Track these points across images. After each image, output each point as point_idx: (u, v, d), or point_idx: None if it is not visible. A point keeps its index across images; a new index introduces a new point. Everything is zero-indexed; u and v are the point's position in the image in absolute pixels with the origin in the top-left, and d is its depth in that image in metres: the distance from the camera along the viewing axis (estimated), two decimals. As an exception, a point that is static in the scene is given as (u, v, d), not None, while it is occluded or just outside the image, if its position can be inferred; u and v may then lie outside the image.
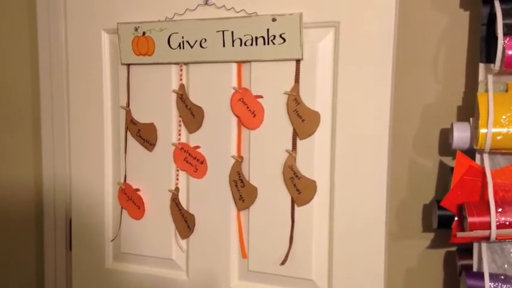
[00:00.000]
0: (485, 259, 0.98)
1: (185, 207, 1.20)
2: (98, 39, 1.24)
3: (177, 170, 1.20)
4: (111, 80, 1.25)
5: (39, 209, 1.42)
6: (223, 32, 1.09)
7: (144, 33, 1.17)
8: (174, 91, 1.18)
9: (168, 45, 1.15)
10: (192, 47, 1.13)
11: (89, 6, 1.24)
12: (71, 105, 1.30)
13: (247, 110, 1.11)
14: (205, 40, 1.11)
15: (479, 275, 0.97)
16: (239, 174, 1.13)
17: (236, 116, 1.12)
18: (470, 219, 0.94)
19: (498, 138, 0.93)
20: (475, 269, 1.01)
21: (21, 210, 1.45)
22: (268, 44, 1.06)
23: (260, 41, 1.06)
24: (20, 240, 1.47)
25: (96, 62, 1.25)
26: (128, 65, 1.21)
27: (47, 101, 1.35)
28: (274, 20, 1.04)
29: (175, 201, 1.20)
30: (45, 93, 1.35)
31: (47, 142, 1.37)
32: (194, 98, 1.16)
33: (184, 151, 1.18)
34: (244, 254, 1.16)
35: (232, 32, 1.08)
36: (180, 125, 1.19)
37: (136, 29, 1.17)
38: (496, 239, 0.94)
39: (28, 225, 1.45)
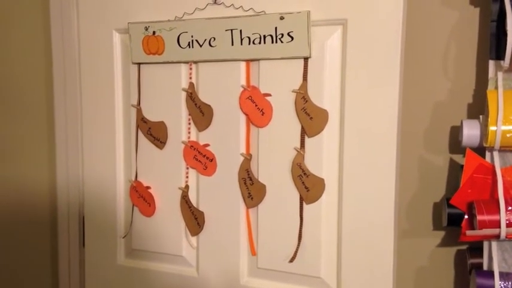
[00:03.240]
0: (495, 258, 0.97)
1: (195, 205, 1.21)
2: (110, 38, 1.26)
3: (187, 168, 1.21)
4: (122, 79, 1.27)
5: (53, 206, 1.45)
6: (231, 30, 1.10)
7: (154, 32, 1.18)
8: (183, 89, 1.19)
9: (177, 44, 1.16)
10: (201, 46, 1.14)
11: (100, 7, 1.26)
12: (83, 104, 1.32)
13: (255, 108, 1.11)
14: (214, 39, 1.12)
15: (490, 274, 0.96)
16: (248, 172, 1.14)
17: (245, 114, 1.13)
18: (479, 218, 0.93)
19: (508, 136, 0.92)
20: (485, 267, 1.00)
21: (36, 208, 1.48)
22: (276, 42, 1.06)
23: (268, 39, 1.07)
24: (35, 237, 1.50)
25: (108, 61, 1.27)
26: (139, 64, 1.23)
27: (61, 101, 1.38)
28: (282, 18, 1.05)
29: (185, 198, 1.21)
30: (59, 93, 1.38)
31: (61, 141, 1.39)
32: (203, 96, 1.17)
33: (194, 149, 1.19)
34: (253, 251, 1.16)
35: (240, 31, 1.09)
36: (189, 123, 1.20)
37: (146, 29, 1.19)
38: (506, 237, 0.93)
39: (43, 223, 1.48)
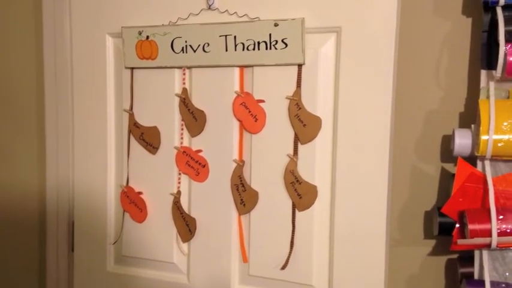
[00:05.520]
0: (486, 267, 0.97)
1: (187, 211, 1.20)
2: (103, 43, 1.25)
3: (179, 174, 1.21)
4: (114, 84, 1.27)
5: (42, 211, 1.43)
6: (226, 36, 1.10)
7: (147, 37, 1.18)
8: (176, 95, 1.19)
9: (171, 49, 1.16)
10: (195, 51, 1.13)
11: (93, 11, 1.25)
12: (75, 108, 1.31)
13: (249, 114, 1.11)
14: (208, 44, 1.12)
15: (480, 283, 0.97)
16: (240, 178, 1.13)
17: (238, 120, 1.13)
18: (470, 227, 0.94)
19: (499, 145, 0.93)
20: (476, 276, 1.01)
21: (25, 212, 1.46)
22: (270, 48, 1.06)
23: (262, 45, 1.07)
24: (23, 242, 1.48)
25: (101, 65, 1.26)
26: (132, 68, 1.22)
27: (52, 104, 1.37)
28: (276, 25, 1.05)
29: (177, 204, 1.20)
30: (50, 97, 1.37)
31: (51, 145, 1.38)
32: (196, 101, 1.17)
33: (187, 155, 1.18)
34: (245, 258, 1.16)
35: (234, 37, 1.09)
36: (182, 129, 1.19)
37: (140, 33, 1.18)
38: (497, 246, 0.93)
39: (31, 227, 1.46)
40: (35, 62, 1.41)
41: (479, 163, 0.99)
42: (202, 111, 1.16)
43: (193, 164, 1.18)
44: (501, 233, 0.92)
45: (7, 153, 1.48)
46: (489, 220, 0.93)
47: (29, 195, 1.46)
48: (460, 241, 0.96)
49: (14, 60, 1.44)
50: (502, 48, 0.91)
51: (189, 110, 1.17)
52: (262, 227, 1.13)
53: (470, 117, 1.06)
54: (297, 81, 1.07)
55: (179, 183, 1.21)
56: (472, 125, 0.99)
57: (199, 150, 1.18)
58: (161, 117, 1.21)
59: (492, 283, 0.96)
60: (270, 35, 1.06)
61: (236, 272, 1.17)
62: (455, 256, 1.10)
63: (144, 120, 1.23)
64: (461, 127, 1.07)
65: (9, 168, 1.48)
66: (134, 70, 1.22)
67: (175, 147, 1.20)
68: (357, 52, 1.01)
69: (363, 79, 1.02)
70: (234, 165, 1.14)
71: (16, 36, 1.43)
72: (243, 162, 1.14)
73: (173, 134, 1.20)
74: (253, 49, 1.08)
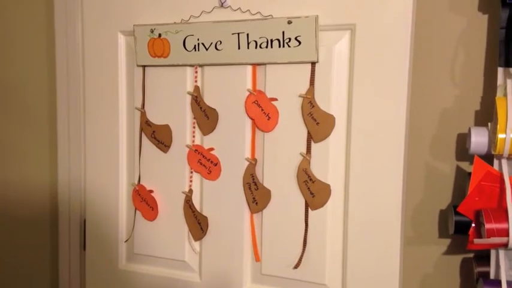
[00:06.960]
0: (502, 267, 0.96)
1: (198, 209, 1.20)
2: (114, 40, 1.25)
3: (191, 172, 1.20)
4: (126, 82, 1.26)
5: (54, 209, 1.43)
6: (238, 34, 1.09)
7: (160, 35, 1.17)
8: (188, 93, 1.18)
9: (183, 47, 1.15)
10: (207, 49, 1.13)
11: (105, 8, 1.25)
12: (86, 106, 1.31)
13: (261, 112, 1.10)
14: (221, 42, 1.11)
15: (497, 283, 0.96)
16: (253, 176, 1.13)
17: (250, 118, 1.12)
18: (487, 226, 0.93)
19: (517, 143, 0.91)
20: (492, 276, 1.00)
21: (37, 210, 1.47)
22: (283, 46, 1.06)
23: (275, 43, 1.06)
24: (35, 240, 1.48)
25: (112, 63, 1.26)
26: (144, 66, 1.22)
27: (64, 102, 1.37)
28: (289, 22, 1.04)
29: (188, 203, 1.20)
30: (62, 95, 1.37)
31: (63, 143, 1.38)
32: (209, 100, 1.16)
33: (198, 153, 1.18)
34: (257, 257, 1.15)
35: (247, 35, 1.08)
36: (194, 127, 1.19)
37: (152, 31, 1.18)
38: (514, 246, 0.92)
39: (43, 226, 1.47)
40: (47, 60, 1.42)
41: (495, 162, 0.98)
42: (214, 110, 1.16)
43: (205, 163, 1.18)
44: (518, 233, 0.91)
45: (19, 151, 1.48)
46: (506, 219, 0.92)
47: (40, 193, 1.46)
48: (477, 241, 0.95)
49: (26, 58, 1.45)
50: (520, 45, 0.90)
51: (201, 108, 1.17)
52: (274, 226, 1.12)
53: (486, 116, 1.05)
54: (310, 79, 1.06)
55: (191, 181, 1.21)
56: (489, 123, 0.98)
57: (211, 149, 1.17)
58: (173, 115, 1.21)
59: (509, 283, 0.95)
60: (283, 32, 1.05)
61: (248, 271, 1.17)
62: (470, 255, 1.09)
63: (156, 118, 1.23)
64: (477, 125, 1.05)
65: (22, 167, 1.48)
66: (146, 68, 1.22)
67: (187, 146, 1.19)
68: (372, 49, 1.00)
69: (377, 77, 1.01)
70: (246, 163, 1.13)
71: (28, 34, 1.44)
72: (256, 160, 1.13)
73: (185, 132, 1.20)
74: (266, 47, 1.07)
